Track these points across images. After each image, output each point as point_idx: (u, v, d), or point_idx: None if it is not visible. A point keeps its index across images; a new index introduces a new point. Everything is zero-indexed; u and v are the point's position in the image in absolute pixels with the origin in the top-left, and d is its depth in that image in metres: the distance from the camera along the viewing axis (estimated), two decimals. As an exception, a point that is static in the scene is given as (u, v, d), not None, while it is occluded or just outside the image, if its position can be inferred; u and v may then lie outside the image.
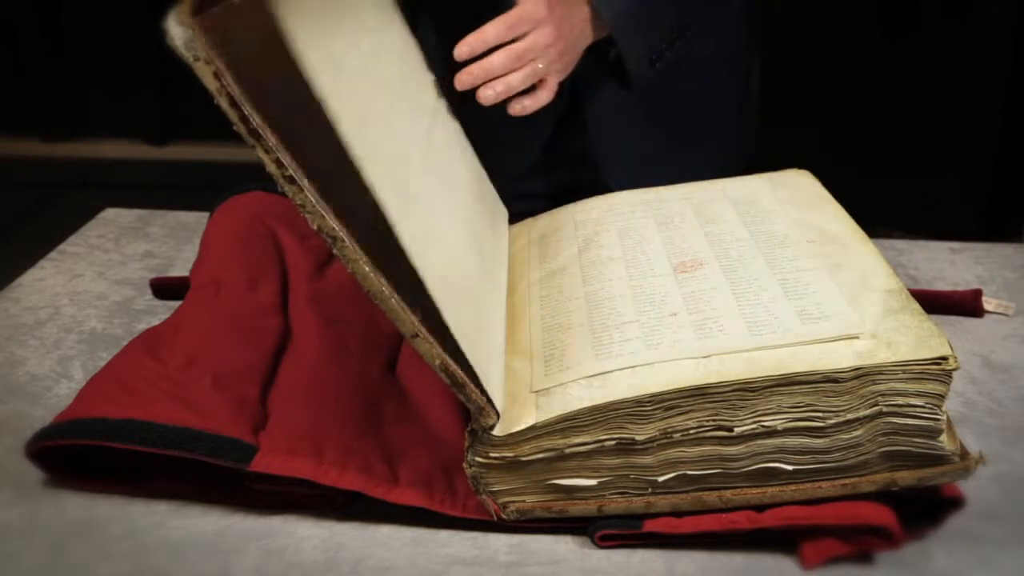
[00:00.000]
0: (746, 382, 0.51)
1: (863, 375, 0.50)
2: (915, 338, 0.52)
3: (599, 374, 0.54)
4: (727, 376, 0.51)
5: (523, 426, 0.52)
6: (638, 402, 0.51)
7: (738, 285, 0.60)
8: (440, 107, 0.73)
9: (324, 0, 0.54)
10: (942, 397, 0.50)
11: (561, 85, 0.93)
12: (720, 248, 0.65)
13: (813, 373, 0.50)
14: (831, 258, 0.61)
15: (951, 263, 0.88)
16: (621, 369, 0.54)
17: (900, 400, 0.50)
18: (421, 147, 0.63)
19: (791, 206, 0.70)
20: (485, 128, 1.00)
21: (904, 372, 0.50)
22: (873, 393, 0.50)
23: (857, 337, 0.53)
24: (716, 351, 0.53)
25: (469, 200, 0.70)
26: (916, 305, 0.55)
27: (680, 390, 0.51)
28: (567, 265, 0.69)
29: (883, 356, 0.51)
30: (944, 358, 0.50)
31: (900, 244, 0.92)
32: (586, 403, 0.52)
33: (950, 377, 0.50)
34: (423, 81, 0.73)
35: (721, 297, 0.59)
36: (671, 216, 0.72)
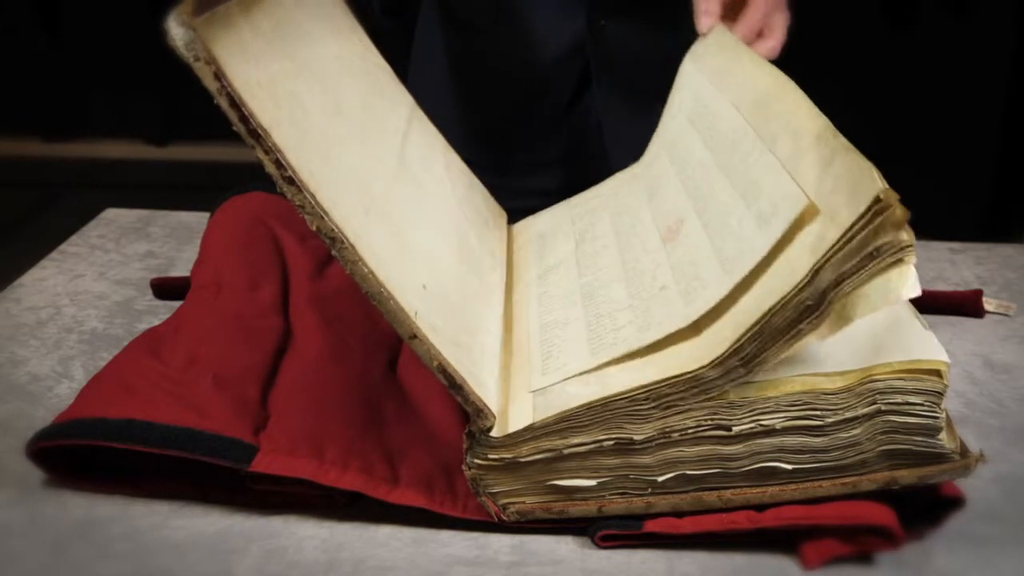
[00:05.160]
0: (734, 349, 0.49)
1: (833, 282, 0.46)
2: (849, 189, 0.47)
3: (594, 369, 0.54)
4: (717, 349, 0.50)
5: (520, 427, 0.52)
6: (634, 400, 0.51)
7: (711, 225, 0.58)
8: (416, 120, 0.73)
9: (260, 24, 0.54)
10: (940, 395, 0.50)
11: (569, 70, 0.93)
12: (695, 192, 0.63)
13: (784, 301, 0.47)
14: (766, 131, 0.57)
15: (951, 263, 0.88)
16: (616, 361, 0.54)
17: (899, 398, 0.50)
18: (391, 163, 0.63)
19: (723, 78, 0.67)
20: (490, 121, 1.00)
21: (854, 245, 0.45)
22: (871, 391, 0.50)
23: (804, 218, 0.49)
24: (700, 312, 0.53)
25: (455, 207, 0.70)
26: (842, 140, 0.50)
27: (674, 379, 0.51)
28: (564, 260, 0.69)
29: (831, 236, 0.46)
30: (878, 199, 0.44)
31: (900, 244, 0.92)
32: (582, 400, 0.52)
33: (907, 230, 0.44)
34: (392, 98, 0.72)
35: (701, 248, 0.57)
36: (659, 179, 0.70)
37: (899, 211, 0.44)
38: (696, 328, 0.54)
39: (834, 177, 0.49)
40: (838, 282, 0.46)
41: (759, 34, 0.76)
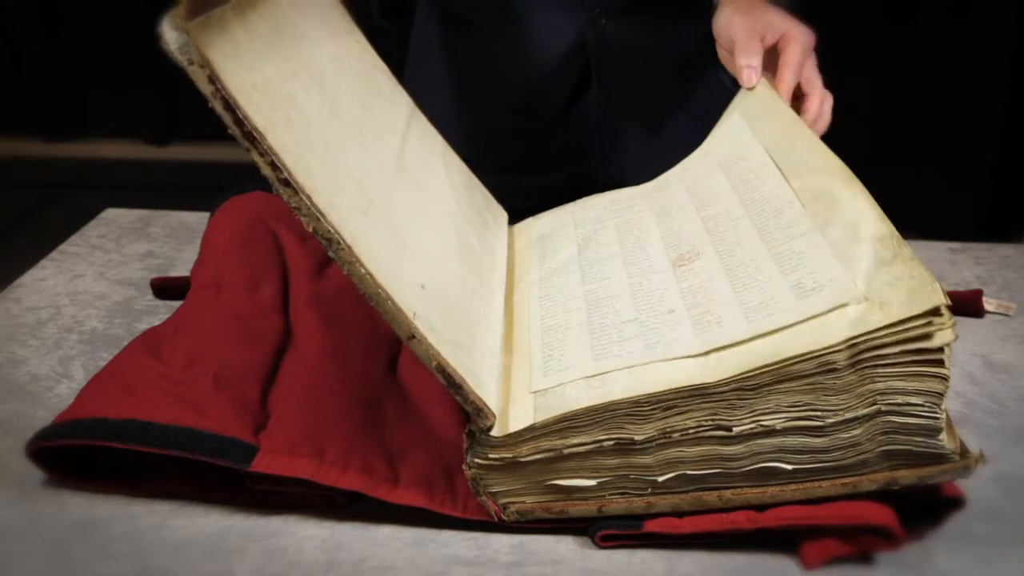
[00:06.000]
0: (744, 376, 0.50)
1: (859, 360, 0.49)
2: (908, 291, 0.50)
3: (597, 375, 0.54)
4: (725, 373, 0.51)
5: (521, 427, 0.52)
6: (636, 403, 0.51)
7: (734, 271, 0.59)
8: (415, 121, 0.72)
9: (256, 26, 0.54)
10: (941, 395, 0.50)
11: (569, 70, 0.93)
12: (717, 233, 0.64)
13: (809, 355, 0.50)
14: (820, 215, 0.59)
15: (951, 263, 0.88)
16: (619, 369, 0.54)
17: (899, 399, 0.50)
18: (389, 164, 0.63)
19: (778, 148, 0.67)
20: (490, 121, 1.00)
21: (898, 336, 0.49)
22: (872, 392, 0.50)
23: (849, 304, 0.51)
24: (713, 345, 0.53)
25: (454, 207, 0.69)
26: (907, 250, 0.53)
27: (678, 390, 0.51)
28: (566, 264, 0.69)
29: (876, 319, 0.49)
30: (936, 309, 0.48)
31: (900, 244, 0.92)
32: (584, 403, 0.52)
33: (947, 348, 0.49)
34: (391, 98, 0.72)
35: (718, 287, 0.58)
36: (669, 206, 0.71)
37: (951, 332, 0.49)
38: (704, 352, 0.54)
39: (892, 275, 0.51)
40: (871, 359, 0.49)
41: (800, 90, 0.75)
